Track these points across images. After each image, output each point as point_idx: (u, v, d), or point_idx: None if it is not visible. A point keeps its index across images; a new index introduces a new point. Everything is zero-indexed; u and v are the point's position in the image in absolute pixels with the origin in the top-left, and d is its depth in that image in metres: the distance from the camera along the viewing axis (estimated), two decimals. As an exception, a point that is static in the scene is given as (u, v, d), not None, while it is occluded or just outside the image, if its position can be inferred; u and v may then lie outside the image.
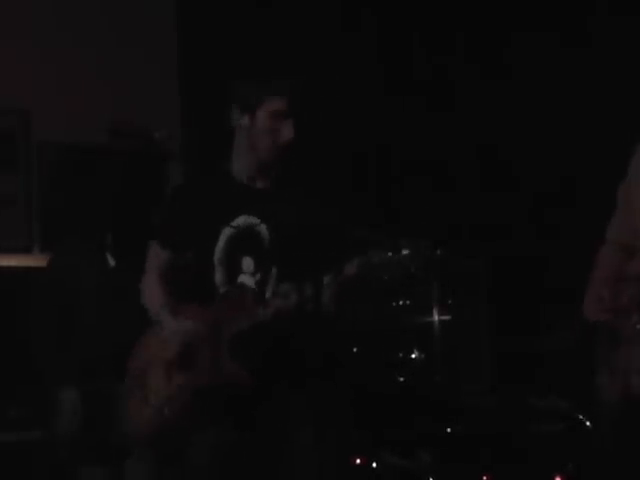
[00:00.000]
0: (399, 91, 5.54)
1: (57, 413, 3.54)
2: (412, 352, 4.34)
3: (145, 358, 3.23)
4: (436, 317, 4.24)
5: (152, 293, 3.19)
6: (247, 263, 3.04)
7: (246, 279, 3.03)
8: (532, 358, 4.33)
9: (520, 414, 4.38)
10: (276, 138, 3.02)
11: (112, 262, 3.88)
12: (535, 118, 5.02)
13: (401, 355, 4.36)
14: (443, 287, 4.41)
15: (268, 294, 3.03)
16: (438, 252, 3.14)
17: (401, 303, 4.42)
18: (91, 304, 3.81)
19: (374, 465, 4.21)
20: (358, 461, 4.23)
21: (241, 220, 3.04)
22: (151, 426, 3.12)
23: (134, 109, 4.90)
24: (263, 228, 3.03)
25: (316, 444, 2.99)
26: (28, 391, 3.92)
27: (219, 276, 3.05)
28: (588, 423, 3.89)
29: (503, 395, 4.62)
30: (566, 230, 4.64)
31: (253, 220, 3.05)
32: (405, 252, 2.93)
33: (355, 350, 4.34)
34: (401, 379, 4.34)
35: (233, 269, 3.05)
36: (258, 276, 3.02)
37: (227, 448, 3.01)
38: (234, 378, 2.90)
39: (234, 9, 5.34)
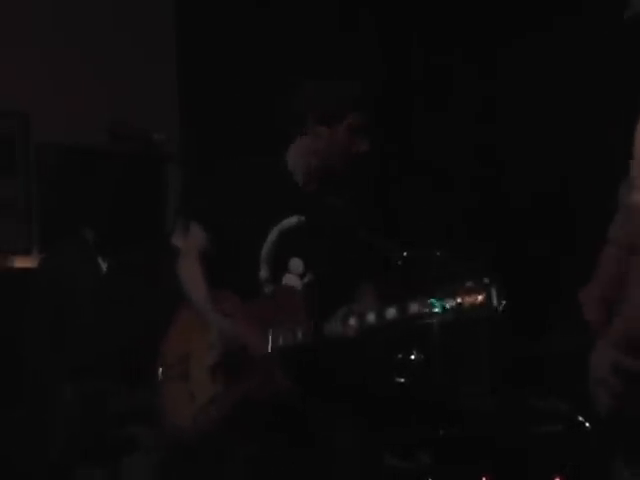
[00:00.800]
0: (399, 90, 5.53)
1: (50, 414, 3.56)
2: (411, 353, 4.25)
3: (184, 346, 3.16)
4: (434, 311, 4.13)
5: (193, 276, 3.14)
6: (295, 264, 3.04)
7: (292, 279, 3.03)
8: (533, 360, 4.31)
9: (520, 416, 4.35)
10: (353, 151, 3.08)
11: (104, 262, 3.86)
12: (533, 118, 5.01)
13: (400, 356, 4.28)
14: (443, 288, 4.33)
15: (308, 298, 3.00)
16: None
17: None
18: (83, 304, 3.80)
19: None
20: None
21: (294, 220, 3.06)
22: (196, 424, 3.04)
23: (133, 111, 4.88)
24: (316, 231, 3.06)
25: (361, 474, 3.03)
26: (27, 391, 3.95)
27: (264, 273, 3.04)
28: (587, 424, 3.84)
29: (503, 397, 4.58)
30: (568, 230, 4.64)
31: (307, 222, 3.08)
32: (474, 300, 2.80)
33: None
34: (400, 380, 4.26)
35: (279, 268, 3.05)
36: (306, 279, 3.02)
37: (267, 465, 2.97)
38: (285, 392, 2.85)
39: (233, 9, 5.33)
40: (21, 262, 4.65)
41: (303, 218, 3.09)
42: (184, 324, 3.18)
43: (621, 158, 2.88)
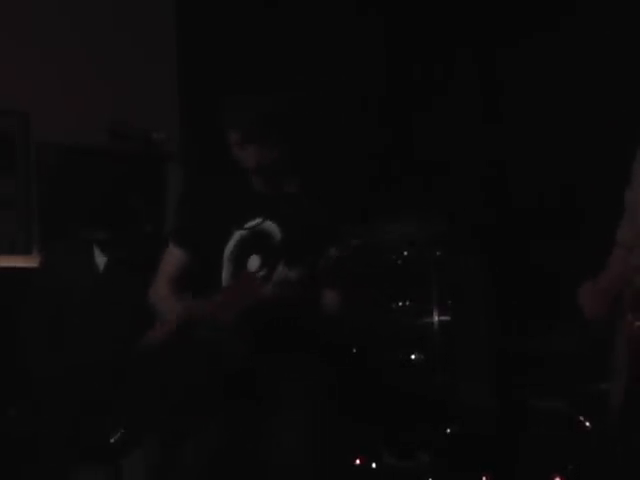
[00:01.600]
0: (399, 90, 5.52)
1: (48, 413, 3.57)
2: (412, 353, 4.34)
3: None
4: (436, 318, 4.23)
5: (160, 293, 3.25)
6: (253, 261, 3.13)
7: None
8: (533, 358, 4.31)
9: (520, 415, 4.37)
10: (245, 163, 3.15)
11: (102, 262, 3.85)
12: (537, 120, 5.01)
13: (401, 356, 4.36)
14: (443, 287, 4.39)
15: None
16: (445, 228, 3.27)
17: (400, 304, 4.44)
18: (82, 303, 3.79)
19: (373, 465, 4.19)
20: (358, 461, 4.21)
21: (253, 222, 3.15)
22: None
23: (133, 111, 4.88)
24: (274, 228, 3.15)
25: (308, 429, 3.04)
26: (24, 390, 3.97)
27: (225, 273, 3.15)
28: (588, 424, 3.83)
29: (503, 396, 4.62)
30: (570, 230, 4.64)
31: (264, 221, 3.15)
32: (411, 226, 3.07)
33: (355, 351, 4.32)
34: (400, 380, 4.34)
35: (239, 267, 3.14)
36: (263, 273, 3.10)
37: (227, 434, 3.07)
38: (235, 354, 2.97)
39: (233, 11, 5.34)
40: (21, 262, 4.66)
41: (263, 219, 3.16)
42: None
43: (627, 162, 2.94)
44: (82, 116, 4.86)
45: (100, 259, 3.86)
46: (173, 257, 3.30)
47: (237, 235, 3.19)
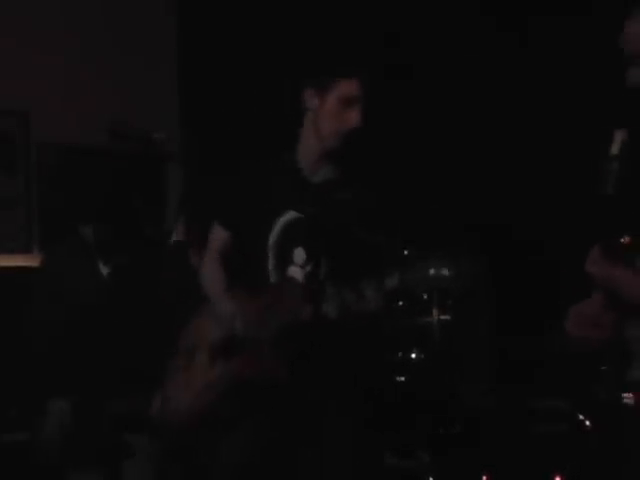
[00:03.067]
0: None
1: (44, 422, 3.58)
2: (412, 352, 4.30)
3: (194, 340, 3.24)
4: (436, 317, 4.16)
5: (213, 275, 3.21)
6: (299, 254, 3.06)
7: (296, 271, 3.05)
8: (533, 358, 4.30)
9: (520, 414, 4.33)
10: (342, 124, 3.00)
11: (103, 261, 3.86)
12: (535, 114, 4.97)
13: (400, 355, 4.32)
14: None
15: (315, 288, 3.04)
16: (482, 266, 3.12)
17: (401, 304, 4.43)
18: (82, 303, 3.78)
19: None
20: None
21: (297, 212, 3.06)
22: (187, 413, 3.12)
23: (133, 111, 4.93)
24: (317, 222, 3.04)
25: (352, 450, 3.02)
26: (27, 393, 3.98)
27: (271, 264, 3.07)
28: (588, 423, 3.80)
29: (503, 395, 4.53)
30: (571, 230, 4.63)
31: (309, 213, 3.06)
32: (445, 272, 2.88)
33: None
34: (401, 379, 4.31)
35: (284, 259, 3.08)
36: (308, 268, 3.04)
37: (259, 447, 3.02)
38: (273, 374, 2.91)
39: (233, 12, 5.34)
40: (21, 261, 4.68)
41: (308, 210, 3.07)
42: (200, 322, 3.24)
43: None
44: (82, 116, 4.96)
45: (100, 258, 3.88)
46: (219, 237, 3.23)
47: (281, 222, 3.09)
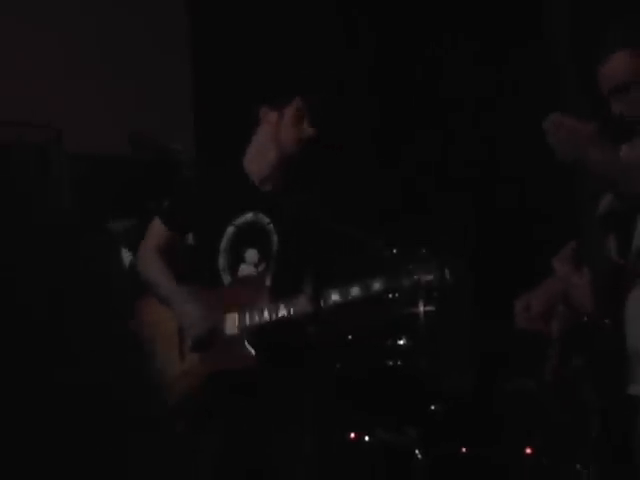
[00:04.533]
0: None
1: None
2: (400, 339, 4.39)
3: (151, 327, 3.30)
4: (421, 308, 4.19)
5: (154, 266, 3.26)
6: (251, 254, 3.16)
7: (248, 269, 3.16)
8: (509, 344, 4.23)
9: (494, 394, 4.52)
10: (300, 136, 3.16)
11: (127, 250, 4.00)
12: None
13: (390, 342, 4.41)
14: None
15: (268, 284, 3.11)
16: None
17: (390, 296, 4.39)
18: (110, 284, 3.94)
19: (366, 439, 4.22)
20: (352, 436, 4.24)
21: (249, 216, 3.16)
22: (169, 394, 3.17)
23: (153, 124, 4.96)
24: (270, 226, 3.15)
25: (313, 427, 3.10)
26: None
27: (222, 262, 3.16)
28: (550, 401, 3.91)
29: (480, 377, 4.72)
30: (553, 215, 4.59)
31: (261, 217, 3.17)
32: (427, 278, 2.98)
33: (350, 338, 4.39)
34: (390, 363, 4.41)
35: (236, 258, 3.16)
36: (261, 267, 3.14)
37: (235, 434, 3.10)
38: (248, 364, 3.01)
39: (245, 26, 5.41)
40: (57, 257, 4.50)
41: (260, 214, 3.17)
42: (148, 307, 3.32)
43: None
44: (108, 129, 4.91)
45: (126, 255, 4.06)
46: (160, 232, 3.28)
47: (233, 226, 3.16)
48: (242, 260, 3.17)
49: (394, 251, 3.12)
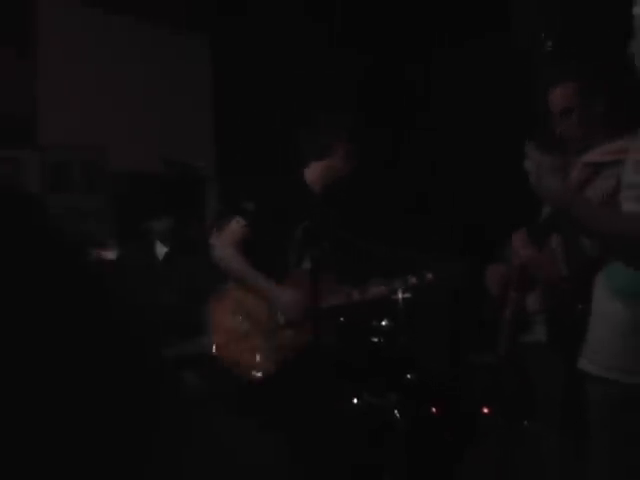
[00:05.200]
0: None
1: None
2: (383, 320, 4.51)
3: (237, 310, 3.52)
4: (400, 295, 4.16)
5: (237, 259, 3.50)
6: (313, 252, 3.39)
7: (308, 265, 3.42)
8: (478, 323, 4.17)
9: (461, 367, 4.87)
10: (347, 170, 3.60)
11: (165, 246, 4.25)
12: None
13: (375, 323, 4.53)
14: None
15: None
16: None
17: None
18: (151, 277, 4.15)
19: (355, 402, 4.33)
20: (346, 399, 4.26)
21: (312, 221, 3.46)
22: (266, 363, 3.46)
23: (181, 146, 5.38)
24: (324, 229, 3.43)
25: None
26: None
27: (291, 259, 3.51)
28: (508, 372, 4.02)
29: (451, 353, 5.09)
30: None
31: (319, 221, 3.47)
32: (413, 280, 3.45)
33: (342, 319, 4.40)
34: (375, 340, 4.52)
35: (301, 255, 3.48)
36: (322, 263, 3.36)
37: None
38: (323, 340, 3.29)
39: (265, 65, 5.65)
40: (104, 255, 4.91)
41: (318, 219, 3.47)
42: (231, 300, 3.54)
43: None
44: (145, 150, 5.29)
45: (160, 249, 4.35)
46: (238, 230, 3.46)
47: (300, 229, 3.42)
48: (305, 257, 3.47)
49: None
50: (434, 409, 4.42)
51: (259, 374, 3.50)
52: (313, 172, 3.67)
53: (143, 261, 4.34)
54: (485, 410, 4.36)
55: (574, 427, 3.02)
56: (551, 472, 3.34)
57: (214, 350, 3.57)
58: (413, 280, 3.57)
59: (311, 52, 5.56)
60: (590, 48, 3.92)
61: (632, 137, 2.69)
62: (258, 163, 5.38)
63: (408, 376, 4.49)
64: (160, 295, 4.19)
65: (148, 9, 5.54)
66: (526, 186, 2.75)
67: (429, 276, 3.52)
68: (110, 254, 4.85)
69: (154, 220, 4.27)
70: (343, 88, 5.49)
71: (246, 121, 5.69)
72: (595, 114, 3.16)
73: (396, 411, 4.27)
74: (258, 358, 3.47)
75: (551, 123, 3.11)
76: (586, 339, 2.69)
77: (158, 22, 5.62)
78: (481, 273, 3.63)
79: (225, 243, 3.54)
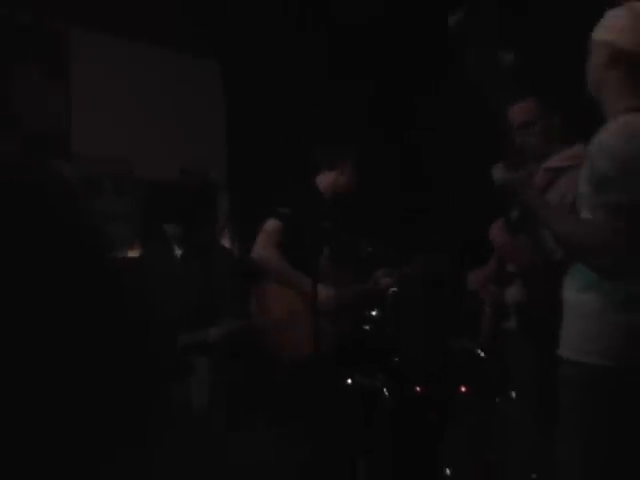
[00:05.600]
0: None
1: None
2: (373, 310, 4.76)
3: (277, 304, 3.75)
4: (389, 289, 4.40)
5: (276, 258, 3.70)
6: (342, 249, 3.73)
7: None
8: (461, 312, 4.60)
9: (441, 350, 5.00)
10: (355, 179, 3.92)
11: (179, 249, 4.33)
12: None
13: (366, 313, 4.79)
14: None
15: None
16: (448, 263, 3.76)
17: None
18: (166, 276, 4.22)
19: (349, 382, 4.46)
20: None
21: (329, 222, 3.74)
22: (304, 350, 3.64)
23: (196, 157, 5.48)
24: (336, 229, 3.72)
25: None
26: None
27: (325, 254, 3.82)
28: (483, 354, 4.42)
29: (433, 337, 5.24)
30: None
31: (332, 223, 3.73)
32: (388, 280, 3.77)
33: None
34: (366, 328, 4.76)
35: (339, 255, 3.83)
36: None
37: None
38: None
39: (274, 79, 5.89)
40: (129, 253, 5.21)
41: (331, 221, 3.79)
42: (272, 293, 3.77)
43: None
44: (164, 162, 5.41)
45: (177, 251, 4.43)
46: (275, 231, 3.65)
47: (322, 229, 3.71)
48: (325, 254, 3.82)
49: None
50: (417, 388, 4.68)
51: (299, 357, 3.74)
52: (324, 181, 4.02)
53: (162, 260, 4.45)
54: (463, 389, 4.59)
55: (546, 408, 3.11)
56: (520, 446, 3.51)
57: (258, 335, 3.80)
58: (408, 270, 3.96)
59: (319, 71, 5.90)
60: (548, 66, 4.16)
61: (584, 145, 2.68)
62: (265, 173, 5.74)
63: (395, 359, 4.78)
64: (177, 290, 4.30)
65: (168, 37, 5.82)
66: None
67: (418, 266, 3.89)
68: (134, 253, 5.17)
69: (171, 223, 4.37)
70: (352, 106, 5.83)
71: (255, 135, 5.94)
72: (553, 126, 3.37)
73: (384, 390, 4.51)
74: (297, 344, 3.71)
75: (511, 135, 3.28)
76: (562, 328, 2.65)
77: (178, 49, 5.88)
78: (462, 265, 3.80)
79: (265, 245, 3.76)
